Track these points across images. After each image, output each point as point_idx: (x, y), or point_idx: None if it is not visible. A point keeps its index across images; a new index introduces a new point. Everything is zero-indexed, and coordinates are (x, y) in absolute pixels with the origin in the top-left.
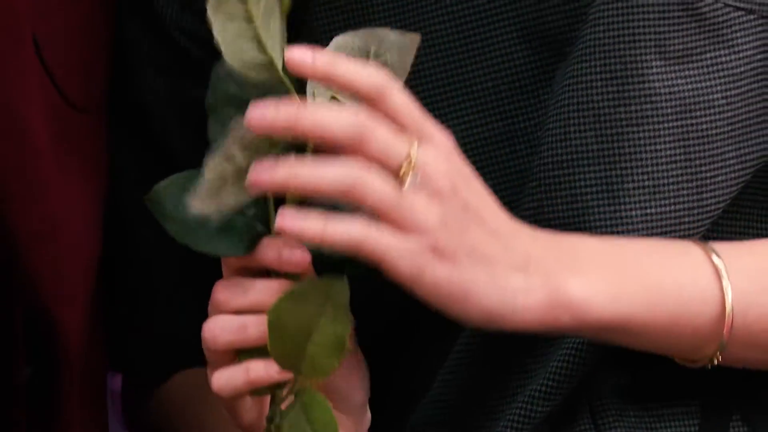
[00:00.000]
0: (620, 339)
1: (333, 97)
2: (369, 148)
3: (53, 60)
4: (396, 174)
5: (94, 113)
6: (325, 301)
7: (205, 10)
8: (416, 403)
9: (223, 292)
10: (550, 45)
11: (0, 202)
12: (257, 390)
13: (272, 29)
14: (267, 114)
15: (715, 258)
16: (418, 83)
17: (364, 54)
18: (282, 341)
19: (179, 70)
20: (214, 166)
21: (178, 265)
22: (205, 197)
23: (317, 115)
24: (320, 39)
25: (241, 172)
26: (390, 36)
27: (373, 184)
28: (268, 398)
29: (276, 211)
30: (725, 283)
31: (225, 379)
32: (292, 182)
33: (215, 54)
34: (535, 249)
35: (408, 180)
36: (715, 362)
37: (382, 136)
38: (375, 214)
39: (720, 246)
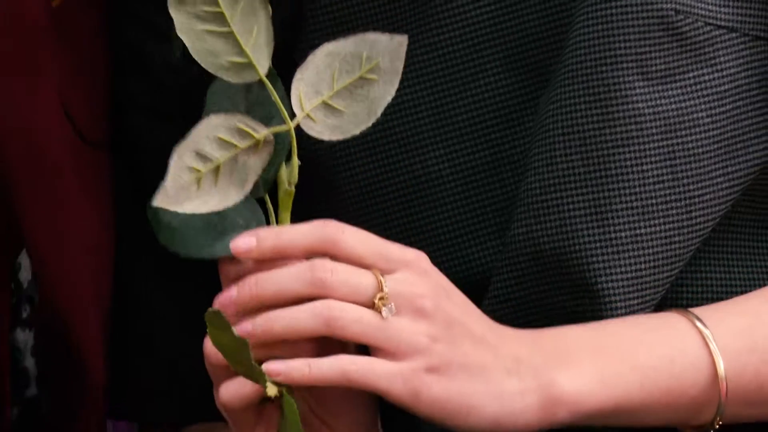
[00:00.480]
0: (620, 420)
1: (324, 102)
2: (335, 294)
3: (68, 99)
4: (371, 307)
5: (102, 148)
6: None
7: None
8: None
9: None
10: (534, 73)
11: (21, 217)
12: (265, 398)
13: (255, 31)
14: (231, 293)
15: (699, 325)
16: (404, 114)
17: (357, 59)
18: (238, 360)
19: (173, 113)
20: (182, 164)
21: (179, 312)
22: (175, 197)
23: (275, 280)
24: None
25: (219, 169)
26: (381, 40)
27: (350, 317)
28: (274, 418)
29: (270, 210)
30: (713, 348)
31: (233, 390)
32: (269, 335)
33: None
34: (521, 350)
35: (384, 311)
36: (717, 426)
37: (343, 280)
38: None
39: (703, 311)
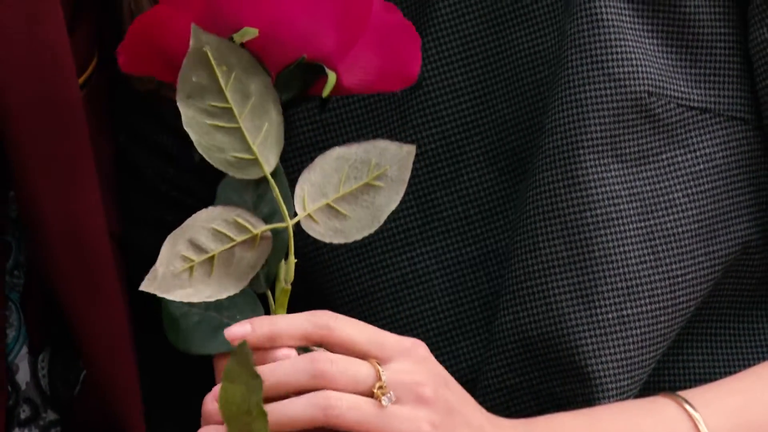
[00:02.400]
0: None
1: (328, 205)
2: (335, 385)
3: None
4: (370, 396)
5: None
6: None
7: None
8: None
9: (213, 403)
10: (514, 164)
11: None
12: None
13: (265, 128)
14: None
15: (689, 409)
16: (390, 214)
17: (366, 165)
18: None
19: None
20: (174, 252)
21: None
22: (164, 284)
23: (277, 374)
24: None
25: (213, 260)
26: (390, 148)
27: (348, 405)
28: None
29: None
30: (704, 431)
31: None
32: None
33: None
34: None
35: (384, 400)
36: None
37: (342, 370)
38: None
39: (693, 393)
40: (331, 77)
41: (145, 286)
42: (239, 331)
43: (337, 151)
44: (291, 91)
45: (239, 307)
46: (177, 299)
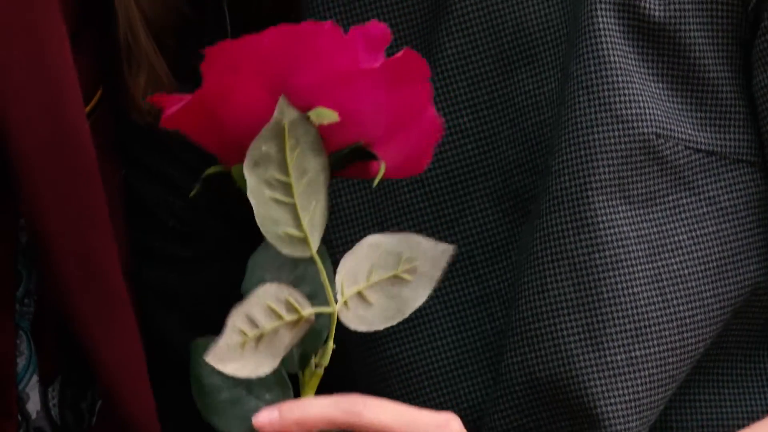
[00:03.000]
0: None
1: (359, 292)
2: None
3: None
4: None
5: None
6: None
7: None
8: None
9: None
10: (518, 205)
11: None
12: None
13: (313, 208)
14: None
15: None
16: None
17: (395, 257)
18: None
19: (172, 260)
20: (234, 325)
21: None
22: (222, 356)
23: None
24: None
25: (262, 337)
26: (424, 244)
27: None
28: None
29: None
30: None
31: None
32: None
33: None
34: None
35: None
36: None
37: None
38: None
39: None
40: (383, 166)
41: (211, 359)
42: (267, 417)
43: (370, 239)
44: (336, 171)
45: (268, 385)
46: (228, 372)
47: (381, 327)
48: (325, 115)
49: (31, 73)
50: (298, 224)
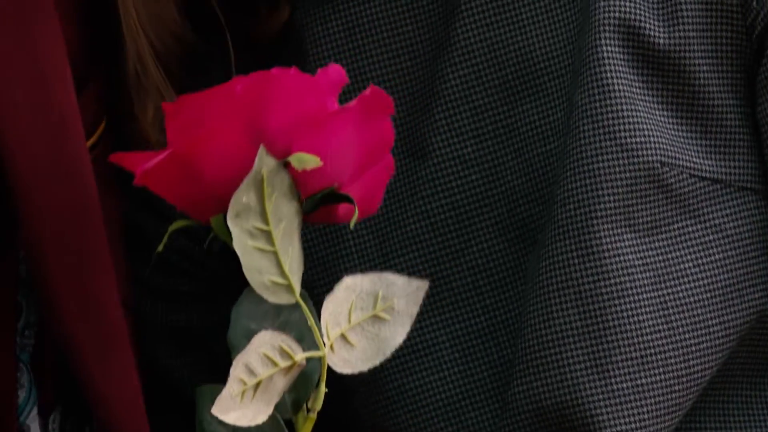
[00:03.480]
0: None
1: (342, 334)
2: None
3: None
4: None
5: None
6: None
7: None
8: None
9: None
10: (524, 235)
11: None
12: None
13: (290, 253)
14: None
15: None
16: None
17: (373, 297)
18: None
19: (174, 296)
20: (236, 375)
21: None
22: (225, 406)
23: None
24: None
25: (259, 385)
26: (398, 282)
27: None
28: None
29: None
30: None
31: None
32: None
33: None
34: None
35: None
36: None
37: None
38: None
39: None
40: (356, 210)
41: (217, 410)
42: None
43: (346, 281)
44: (306, 216)
45: None
46: (230, 422)
47: (364, 368)
48: (307, 160)
49: (35, 113)
50: (281, 271)
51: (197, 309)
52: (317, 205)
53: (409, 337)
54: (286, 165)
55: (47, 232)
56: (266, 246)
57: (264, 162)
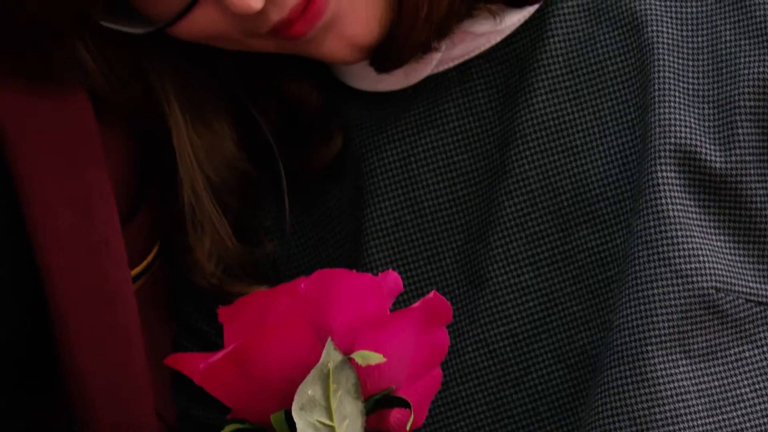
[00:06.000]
0: None
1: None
2: None
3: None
4: None
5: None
6: None
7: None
8: None
9: None
10: (584, 361)
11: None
12: None
13: None
14: None
15: None
16: (460, 410)
17: None
18: None
19: None
20: None
21: None
22: None
23: None
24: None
25: None
26: None
27: None
28: None
29: None
30: None
31: None
32: None
33: None
34: None
35: None
36: None
37: None
38: None
39: None
40: (412, 415)
41: None
42: None
43: None
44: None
45: None
46: None
47: None
48: (371, 358)
49: (78, 239)
50: None
51: None
52: (375, 407)
53: None
54: (350, 361)
55: (84, 350)
56: None
57: (331, 356)
